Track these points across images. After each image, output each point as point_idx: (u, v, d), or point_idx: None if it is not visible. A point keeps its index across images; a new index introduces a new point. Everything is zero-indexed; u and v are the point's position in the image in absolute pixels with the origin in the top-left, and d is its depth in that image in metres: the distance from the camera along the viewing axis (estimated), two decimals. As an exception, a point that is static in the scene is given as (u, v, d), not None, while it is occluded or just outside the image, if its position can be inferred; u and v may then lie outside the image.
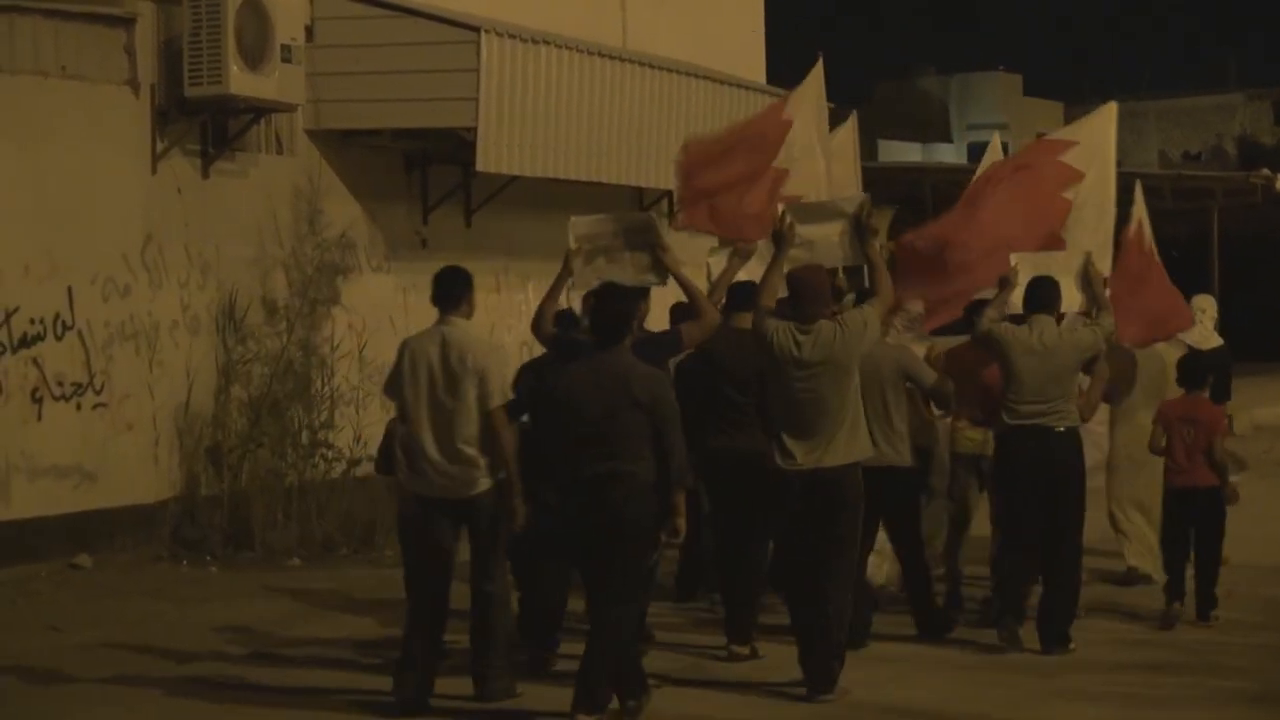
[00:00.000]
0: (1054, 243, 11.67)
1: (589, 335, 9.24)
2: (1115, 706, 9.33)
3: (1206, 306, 14.25)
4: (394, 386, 9.40)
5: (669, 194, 20.32)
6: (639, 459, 8.62)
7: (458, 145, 16.15)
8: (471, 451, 9.10)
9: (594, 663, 8.63)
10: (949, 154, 53.03)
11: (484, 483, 9.14)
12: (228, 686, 9.83)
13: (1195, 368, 11.88)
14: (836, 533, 9.42)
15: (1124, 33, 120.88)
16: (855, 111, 14.45)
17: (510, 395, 9.31)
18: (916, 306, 11.88)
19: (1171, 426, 11.52)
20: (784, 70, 24.29)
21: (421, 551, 9.29)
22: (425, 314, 17.33)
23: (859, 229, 9.94)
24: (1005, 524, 10.91)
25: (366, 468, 15.25)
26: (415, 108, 15.63)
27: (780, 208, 10.57)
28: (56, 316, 13.39)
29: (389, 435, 9.86)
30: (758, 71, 22.66)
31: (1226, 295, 22.62)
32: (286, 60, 14.42)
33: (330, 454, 15.05)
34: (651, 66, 17.92)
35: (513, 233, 18.09)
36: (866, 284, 10.24)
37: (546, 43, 16.20)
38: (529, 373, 10.29)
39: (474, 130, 15.36)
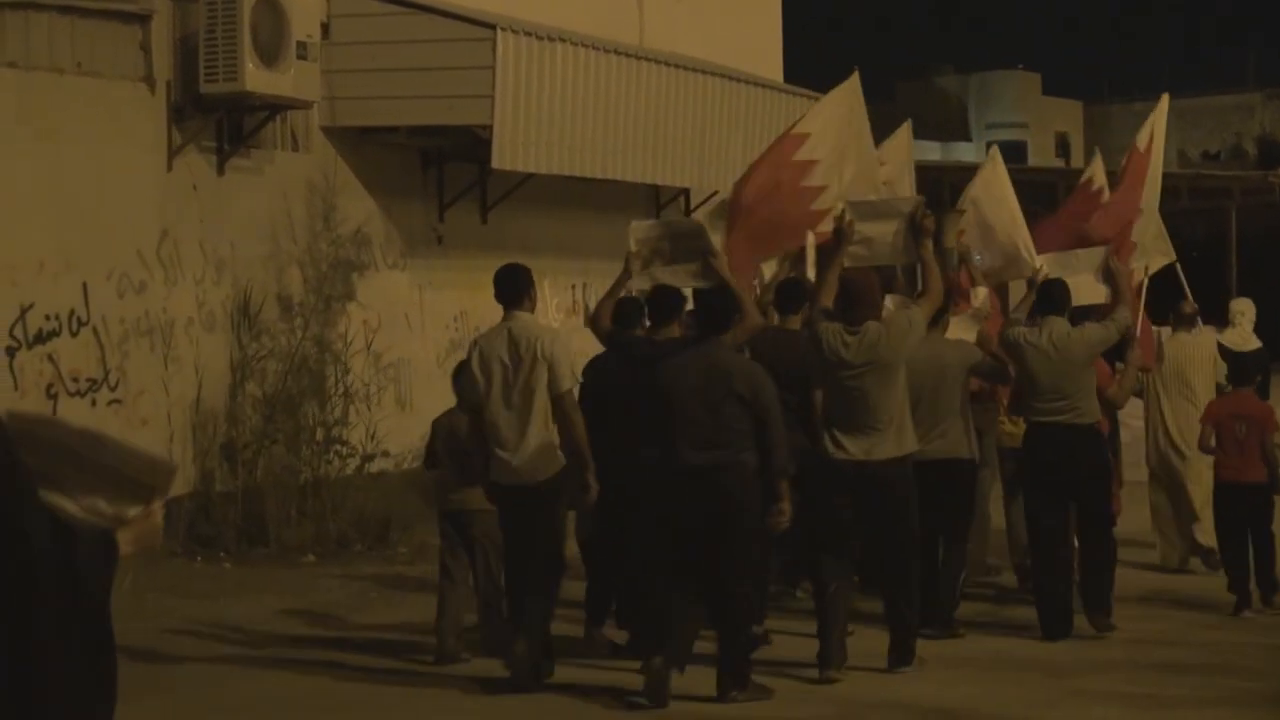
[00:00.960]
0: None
1: (647, 332, 10.02)
2: (1128, 707, 9.30)
3: (1245, 309, 14.80)
4: (463, 381, 9.80)
5: (685, 192, 20.36)
6: (743, 449, 9.06)
7: (474, 142, 16.15)
8: (542, 439, 9.48)
9: (725, 644, 9.18)
10: (968, 153, 52.92)
11: (553, 468, 9.51)
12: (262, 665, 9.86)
13: (1245, 365, 12.30)
14: (890, 523, 9.89)
15: (1143, 32, 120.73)
16: (909, 120, 14.68)
17: (579, 379, 9.86)
18: (979, 299, 12.27)
19: (1222, 424, 11.83)
20: (802, 69, 24.28)
21: (508, 535, 9.69)
22: (440, 310, 17.37)
23: (914, 229, 10.41)
24: (1031, 522, 11.20)
25: (380, 464, 15.30)
26: (431, 105, 15.63)
27: (840, 205, 10.95)
28: (71, 313, 13.40)
29: (435, 433, 10.36)
30: (775, 70, 22.64)
31: (1244, 294, 22.55)
32: (302, 57, 14.42)
33: (344, 450, 15.07)
34: (668, 64, 17.90)
35: (528, 230, 18.09)
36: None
37: (562, 40, 16.19)
38: (589, 370, 10.72)
39: (489, 128, 15.36)
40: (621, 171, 17.41)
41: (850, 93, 12.61)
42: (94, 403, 13.60)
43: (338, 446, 15.01)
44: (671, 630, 9.22)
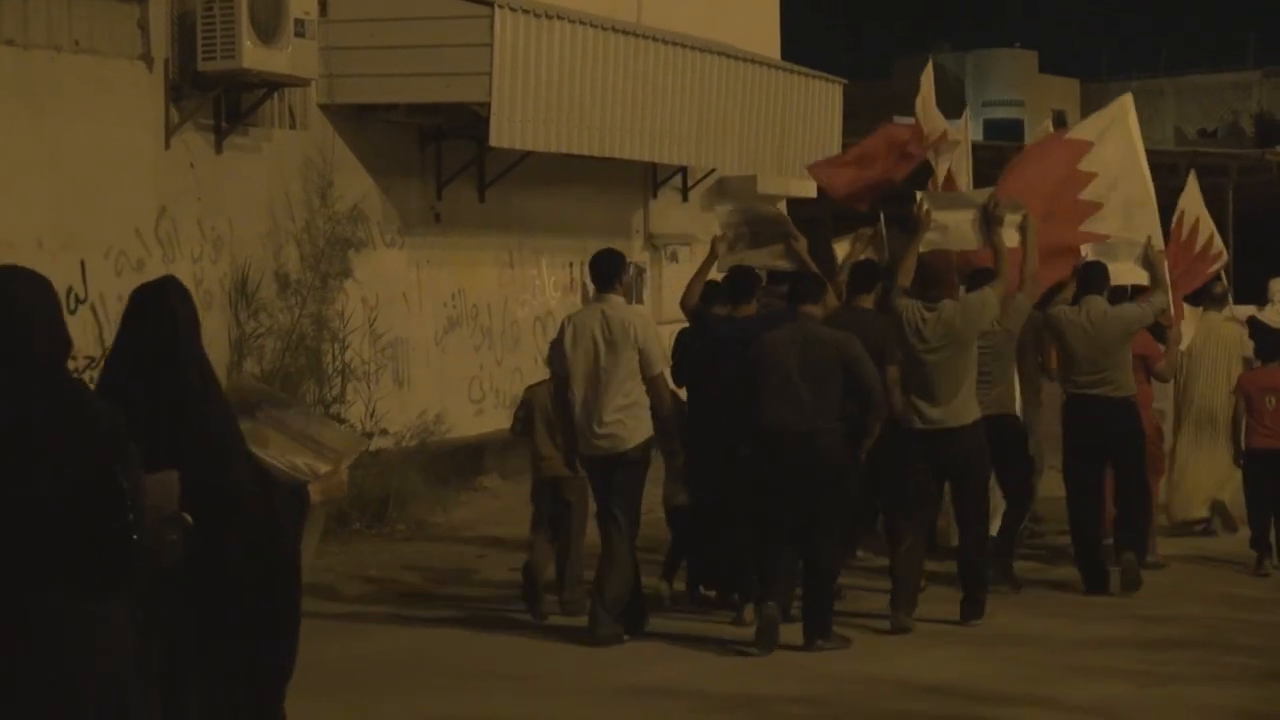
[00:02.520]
0: (1076, 238, 12.59)
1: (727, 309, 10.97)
2: (1128, 683, 9.35)
3: (1278, 289, 15.92)
4: (556, 356, 10.43)
5: (683, 170, 20.36)
6: (837, 416, 10.00)
7: (471, 120, 16.13)
8: (625, 414, 10.15)
9: (814, 596, 10.04)
10: (965, 130, 52.85)
11: (634, 440, 10.16)
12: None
13: (1275, 342, 13.17)
14: (967, 483, 10.86)
15: (1140, 9, 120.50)
16: (967, 110, 15.25)
17: (670, 361, 10.69)
18: None
19: (1252, 396, 12.79)
20: (799, 46, 24.26)
21: (597, 501, 10.44)
22: (438, 288, 17.35)
23: (986, 218, 11.42)
24: (1067, 480, 11.99)
25: (379, 441, 15.29)
26: (429, 82, 15.61)
27: (919, 195, 11.98)
28: (70, 290, 13.38)
29: (526, 402, 11.26)
30: (772, 47, 22.64)
31: (1241, 272, 22.55)
32: (300, 35, 14.39)
33: (342, 428, 15.05)
34: (666, 42, 17.88)
35: (526, 208, 18.09)
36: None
37: (560, 18, 16.17)
38: (677, 345, 11.43)
39: (487, 105, 15.34)
40: (619, 149, 17.39)
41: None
42: (92, 380, 13.56)
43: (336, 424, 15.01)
44: (778, 581, 10.01)
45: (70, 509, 4.41)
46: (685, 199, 20.93)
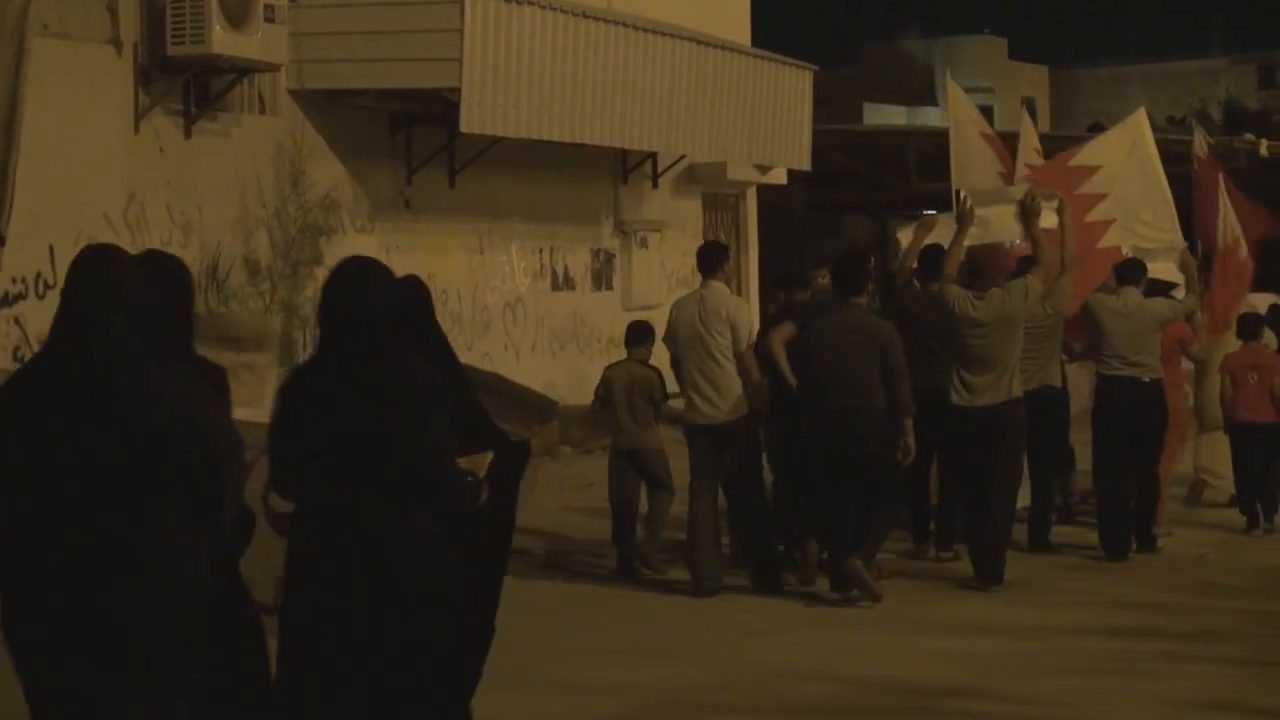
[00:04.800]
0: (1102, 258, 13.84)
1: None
2: (1096, 675, 9.38)
3: None
4: (669, 337, 11.70)
5: (652, 156, 20.36)
6: (878, 394, 11.03)
7: (442, 106, 16.12)
8: (727, 387, 11.40)
9: (869, 552, 11.10)
10: (934, 117, 52.87)
11: (739, 411, 11.38)
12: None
13: (1255, 324, 14.39)
14: (1005, 454, 11.75)
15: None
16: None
17: (754, 339, 11.68)
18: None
19: (1236, 373, 14.08)
20: (770, 33, 24.29)
21: (699, 468, 11.52)
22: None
23: (1024, 212, 12.41)
24: (1099, 456, 12.99)
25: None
26: (399, 68, 15.59)
27: (962, 193, 13.33)
28: (38, 275, 13.34)
29: (606, 380, 12.34)
30: (743, 34, 22.66)
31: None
32: (270, 20, 14.34)
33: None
34: (636, 28, 17.89)
35: (496, 194, 18.09)
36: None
37: (531, 3, 16.16)
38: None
39: (458, 91, 15.33)
40: (589, 135, 17.40)
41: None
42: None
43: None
44: (850, 536, 11.10)
45: (404, 445, 5.67)
46: (655, 185, 20.94)
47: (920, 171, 25.12)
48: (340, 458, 5.71)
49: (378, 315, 5.82)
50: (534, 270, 19.00)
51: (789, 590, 11.48)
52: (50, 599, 5.11)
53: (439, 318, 6.93)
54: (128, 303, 5.33)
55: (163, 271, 5.97)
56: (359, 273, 5.95)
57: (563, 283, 19.41)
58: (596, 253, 20.07)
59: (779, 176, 23.12)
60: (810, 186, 25.85)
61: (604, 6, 18.44)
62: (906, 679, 9.28)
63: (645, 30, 18.05)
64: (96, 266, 5.46)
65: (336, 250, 15.84)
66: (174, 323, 5.88)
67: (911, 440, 11.15)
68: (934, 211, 14.40)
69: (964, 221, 12.29)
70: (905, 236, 13.65)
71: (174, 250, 14.35)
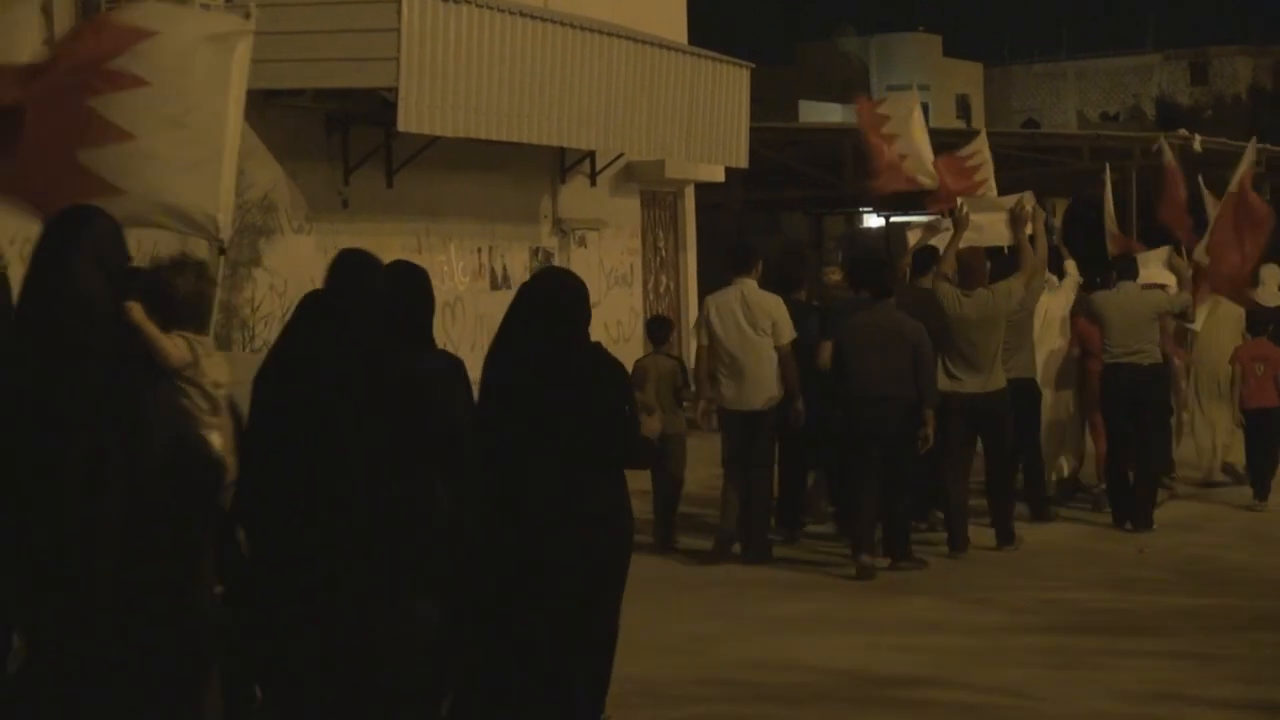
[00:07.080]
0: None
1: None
2: (1043, 668, 9.50)
3: (1270, 275, 18.36)
4: (703, 327, 12.80)
5: (590, 155, 20.36)
6: (908, 385, 12.07)
7: (379, 105, 16.08)
8: (760, 375, 12.54)
9: (896, 520, 12.32)
10: (869, 115, 53.12)
11: (769, 398, 12.55)
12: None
13: (1262, 318, 16.09)
14: (996, 439, 13.03)
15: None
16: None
17: (795, 334, 12.62)
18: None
19: (1246, 365, 15.67)
20: (705, 31, 24.32)
21: (733, 448, 12.74)
22: (347, 275, 16.84)
23: (1014, 218, 13.68)
24: (1108, 432, 14.36)
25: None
26: (336, 67, 15.52)
27: (960, 200, 14.41)
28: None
29: (638, 369, 13.28)
30: (679, 32, 22.68)
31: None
32: (205, 19, 14.27)
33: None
34: (574, 26, 17.87)
35: (434, 193, 18.06)
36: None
37: (468, 2, 16.12)
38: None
39: (395, 90, 15.29)
40: (527, 134, 17.37)
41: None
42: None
43: (244, 411, 14.92)
44: (869, 517, 12.20)
45: (599, 421, 6.95)
46: (594, 183, 20.95)
47: (856, 169, 25.21)
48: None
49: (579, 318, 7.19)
50: (473, 269, 18.98)
51: (769, 569, 12.41)
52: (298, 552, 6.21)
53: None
54: (376, 299, 6.50)
55: (406, 277, 7.43)
56: (559, 283, 7.40)
57: (501, 282, 19.38)
58: (535, 251, 20.05)
59: (716, 174, 23.16)
60: (748, 184, 25.91)
61: (541, 6, 18.42)
62: (873, 670, 9.43)
63: (583, 29, 18.04)
64: (352, 268, 6.74)
65: (275, 251, 15.79)
66: (413, 319, 7.17)
67: (931, 430, 12.13)
68: (940, 216, 15.65)
69: (960, 226, 13.44)
70: (914, 236, 15.06)
71: (111, 252, 14.33)
